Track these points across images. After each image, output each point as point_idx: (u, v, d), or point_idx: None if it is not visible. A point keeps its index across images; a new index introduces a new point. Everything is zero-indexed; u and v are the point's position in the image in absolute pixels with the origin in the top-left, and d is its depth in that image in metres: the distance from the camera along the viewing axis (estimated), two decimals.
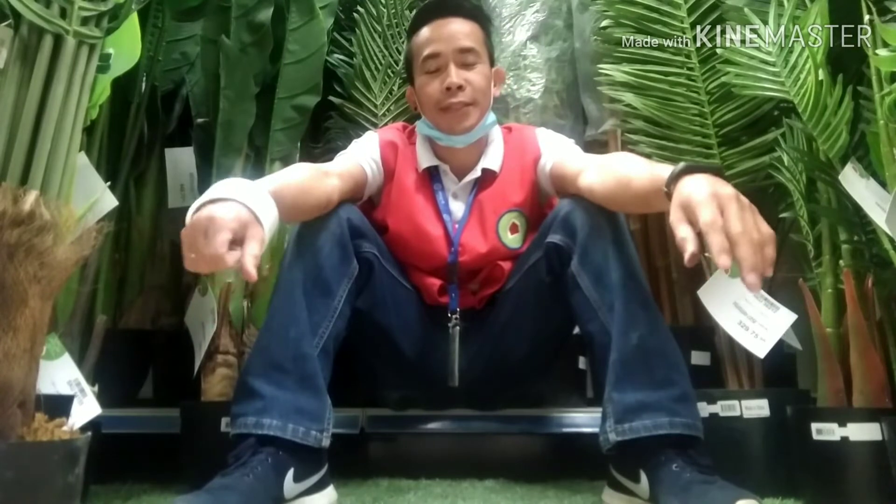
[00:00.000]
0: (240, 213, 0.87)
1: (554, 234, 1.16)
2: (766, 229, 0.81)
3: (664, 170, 0.94)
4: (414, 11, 1.67)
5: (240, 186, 0.92)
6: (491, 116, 1.30)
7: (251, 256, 0.84)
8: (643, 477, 1.02)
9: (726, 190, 0.84)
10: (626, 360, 1.05)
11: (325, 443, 1.07)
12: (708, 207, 0.81)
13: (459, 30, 1.26)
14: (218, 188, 0.91)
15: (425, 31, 1.27)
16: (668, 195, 0.90)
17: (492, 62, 1.31)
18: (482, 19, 1.32)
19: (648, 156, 1.41)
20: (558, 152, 1.27)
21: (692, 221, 0.83)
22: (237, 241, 0.85)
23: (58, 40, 0.88)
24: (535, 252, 1.21)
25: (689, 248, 0.81)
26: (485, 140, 1.31)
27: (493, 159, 1.30)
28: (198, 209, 0.88)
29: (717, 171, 0.90)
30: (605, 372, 1.08)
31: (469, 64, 1.25)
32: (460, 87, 1.23)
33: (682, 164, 0.91)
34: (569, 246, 1.14)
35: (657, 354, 1.06)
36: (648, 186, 0.97)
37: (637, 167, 1.05)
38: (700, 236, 0.82)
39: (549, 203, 1.33)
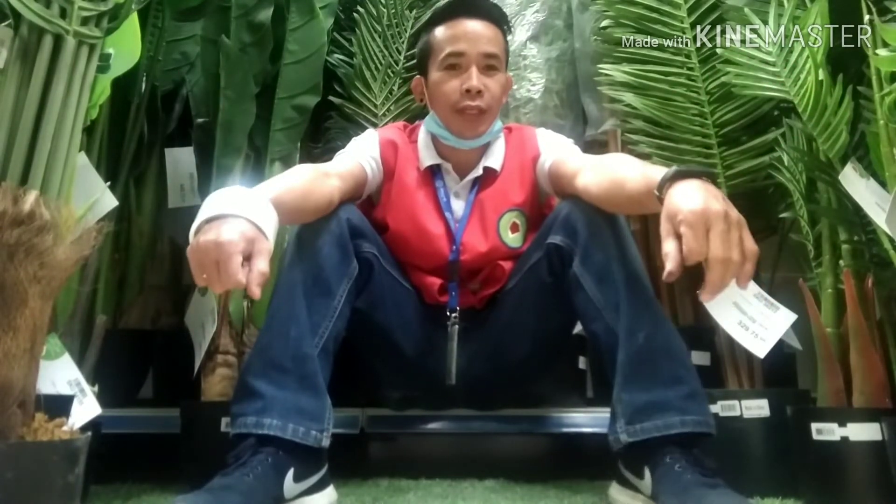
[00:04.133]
0: (245, 230, 0.87)
1: (555, 235, 1.16)
2: (750, 246, 0.83)
3: (657, 172, 0.95)
4: (414, 11, 1.68)
5: (240, 198, 0.92)
6: (498, 123, 1.30)
7: (258, 273, 0.85)
8: (647, 473, 1.02)
9: (715, 206, 0.83)
10: (634, 360, 1.05)
11: (325, 443, 1.07)
12: (693, 229, 0.82)
13: (486, 34, 1.25)
14: (218, 201, 0.91)
15: (451, 27, 1.26)
16: (661, 200, 0.90)
17: (506, 69, 1.31)
18: (506, 27, 1.32)
19: (648, 156, 1.41)
20: (557, 152, 1.27)
21: (678, 234, 0.83)
22: (245, 258, 0.86)
23: (58, 40, 0.88)
24: (536, 252, 1.21)
25: (669, 265, 0.82)
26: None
27: (494, 158, 1.30)
28: (200, 225, 0.88)
29: (707, 175, 0.90)
30: (611, 372, 1.08)
31: (490, 69, 1.25)
32: (479, 92, 1.22)
33: (672, 169, 0.92)
34: (570, 246, 1.14)
35: (664, 353, 1.06)
36: (642, 189, 0.98)
37: (631, 169, 1.04)
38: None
39: (547, 203, 1.33)
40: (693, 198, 0.85)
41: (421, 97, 1.33)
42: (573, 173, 1.17)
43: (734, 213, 0.84)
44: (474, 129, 1.25)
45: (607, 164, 1.13)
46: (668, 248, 0.83)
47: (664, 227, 0.86)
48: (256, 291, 0.85)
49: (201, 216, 0.89)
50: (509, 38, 1.63)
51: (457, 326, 1.26)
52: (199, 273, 0.85)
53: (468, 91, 1.22)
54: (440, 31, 1.27)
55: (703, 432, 1.03)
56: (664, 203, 0.88)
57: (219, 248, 0.84)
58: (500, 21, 1.30)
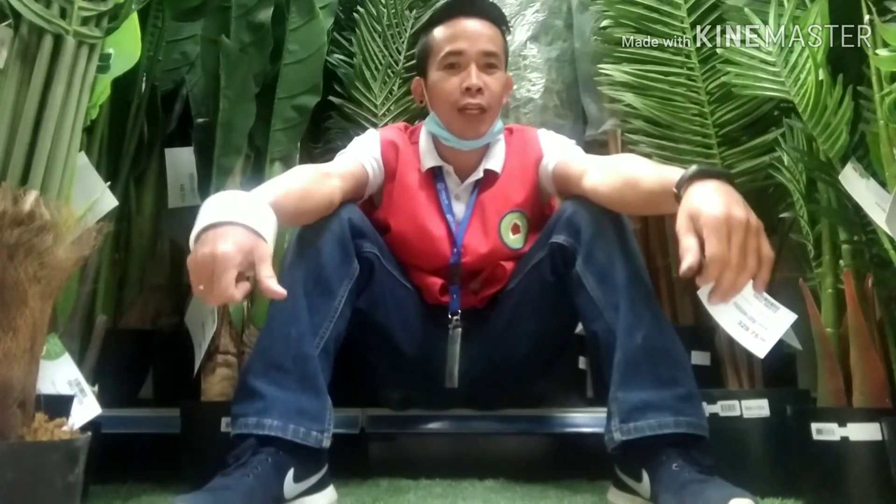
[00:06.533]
0: (242, 241, 0.87)
1: (558, 235, 1.16)
2: (766, 252, 0.83)
3: (674, 171, 0.94)
4: (414, 11, 1.68)
5: (238, 203, 0.91)
6: (499, 123, 1.30)
7: (267, 279, 0.87)
8: (645, 476, 1.02)
9: (738, 212, 0.83)
10: (631, 360, 1.05)
11: (326, 443, 1.07)
12: (718, 235, 0.81)
13: (485, 32, 1.25)
14: (216, 206, 0.90)
15: (450, 27, 1.26)
16: (678, 198, 0.89)
17: (505, 69, 1.31)
18: (505, 25, 1.32)
19: (648, 156, 1.41)
20: (561, 153, 1.27)
21: (698, 233, 0.83)
22: (246, 267, 0.87)
23: (58, 40, 0.88)
24: (539, 252, 1.21)
25: (690, 259, 0.81)
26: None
27: (495, 160, 1.30)
28: (199, 233, 0.88)
29: (727, 177, 0.89)
30: (609, 372, 1.08)
31: (490, 67, 1.25)
32: (479, 90, 1.22)
33: (694, 168, 0.91)
34: (573, 246, 1.14)
35: (662, 354, 1.06)
36: (657, 187, 0.97)
37: (645, 167, 1.05)
38: (702, 248, 0.82)
39: (548, 204, 1.33)
40: (716, 201, 0.84)
41: (421, 98, 1.33)
42: (580, 174, 1.17)
43: (754, 220, 0.84)
44: (475, 129, 1.25)
45: (619, 164, 1.13)
46: (688, 243, 0.82)
47: (682, 223, 0.85)
48: (278, 290, 0.87)
49: (200, 223, 0.89)
50: (509, 38, 1.63)
51: (458, 329, 1.26)
52: (197, 284, 0.86)
53: (468, 89, 1.22)
54: (439, 31, 1.27)
55: (696, 434, 1.03)
56: (683, 200, 0.87)
57: (215, 261, 0.84)
58: (499, 20, 1.30)
